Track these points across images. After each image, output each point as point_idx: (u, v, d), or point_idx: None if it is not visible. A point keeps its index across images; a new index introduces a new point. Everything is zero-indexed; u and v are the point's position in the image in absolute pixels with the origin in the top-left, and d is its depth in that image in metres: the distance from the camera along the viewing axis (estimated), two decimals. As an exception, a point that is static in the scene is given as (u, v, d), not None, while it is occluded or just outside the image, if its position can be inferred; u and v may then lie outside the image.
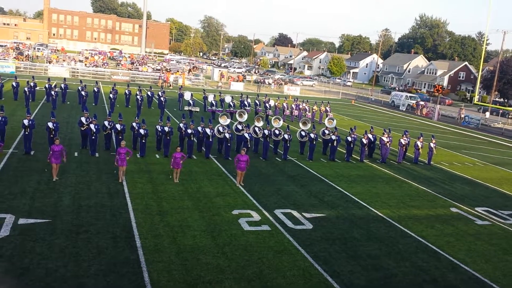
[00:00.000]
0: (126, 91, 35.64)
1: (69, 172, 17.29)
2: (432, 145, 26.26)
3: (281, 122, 26.42)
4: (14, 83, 33.14)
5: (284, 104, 37.94)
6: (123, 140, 17.65)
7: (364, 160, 25.10)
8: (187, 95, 35.47)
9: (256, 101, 36.95)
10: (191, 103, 33.90)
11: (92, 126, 20.29)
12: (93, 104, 33.89)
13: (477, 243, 14.74)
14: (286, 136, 23.18)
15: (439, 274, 12.15)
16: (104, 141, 21.47)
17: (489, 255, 13.85)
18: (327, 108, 38.73)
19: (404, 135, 26.42)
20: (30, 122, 19.45)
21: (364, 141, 24.96)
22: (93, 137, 20.33)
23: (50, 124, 20.06)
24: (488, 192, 21.80)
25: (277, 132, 23.97)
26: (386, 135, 25.39)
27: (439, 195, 20.20)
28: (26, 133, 19.32)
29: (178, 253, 11.63)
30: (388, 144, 25.25)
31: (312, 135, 24.12)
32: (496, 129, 52.04)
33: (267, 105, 36.51)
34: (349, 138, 24.61)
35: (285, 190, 18.21)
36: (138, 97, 32.51)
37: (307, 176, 20.74)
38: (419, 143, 25.91)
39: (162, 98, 33.47)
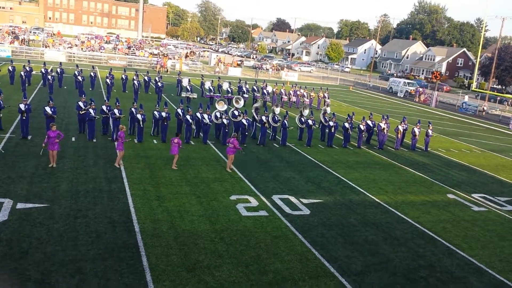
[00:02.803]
0: (123, 76, 35.41)
1: (67, 157, 17.25)
2: (429, 131, 26.34)
3: (278, 108, 26.40)
4: (10, 67, 32.86)
5: (282, 90, 37.74)
6: (122, 125, 17.68)
7: (362, 146, 25.14)
8: (185, 81, 35.22)
9: (254, 87, 36.75)
10: (189, 89, 33.73)
11: (91, 110, 20.17)
12: (90, 89, 33.65)
13: (474, 229, 14.86)
14: (285, 122, 23.18)
15: (435, 260, 12.26)
16: (101, 126, 21.41)
17: (485, 241, 13.97)
18: (325, 94, 38.60)
19: (402, 122, 26.44)
20: (26, 106, 19.36)
21: (362, 127, 24.97)
22: (91, 122, 20.25)
23: (47, 109, 19.94)
24: (484, 179, 21.90)
25: (276, 118, 23.94)
26: (384, 122, 25.37)
27: (436, 181, 20.29)
28: (23, 117, 19.23)
29: (176, 238, 11.68)
30: (385, 130, 25.25)
31: (310, 122, 24.11)
32: (494, 116, 52.13)
33: (264, 91, 36.33)
34: (347, 125, 24.61)
35: (282, 176, 18.25)
36: (135, 82, 32.36)
37: (304, 162, 20.77)
38: (416, 130, 25.97)
39: (159, 84, 33.30)
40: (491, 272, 11.93)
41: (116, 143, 16.76)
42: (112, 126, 20.99)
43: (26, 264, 9.73)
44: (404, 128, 26.03)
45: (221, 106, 24.16)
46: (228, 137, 22.34)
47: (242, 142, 21.97)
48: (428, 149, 26.65)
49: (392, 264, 11.71)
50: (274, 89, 37.79)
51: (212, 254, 11.10)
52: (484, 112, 52.55)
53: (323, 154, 22.63)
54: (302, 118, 25.07)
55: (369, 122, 25.71)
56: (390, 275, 11.13)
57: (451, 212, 16.26)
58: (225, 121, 21.96)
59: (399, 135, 25.93)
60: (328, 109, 29.67)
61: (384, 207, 16.01)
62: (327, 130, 24.99)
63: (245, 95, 34.40)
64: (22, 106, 19.23)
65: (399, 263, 11.81)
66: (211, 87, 33.90)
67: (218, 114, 22.58)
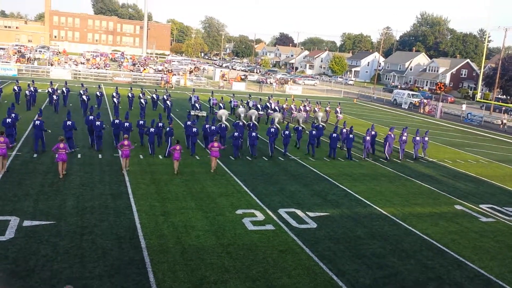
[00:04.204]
0: (129, 94, 35.10)
1: (73, 174, 17.31)
2: (426, 139, 27.10)
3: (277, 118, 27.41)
4: (16, 87, 32.89)
5: (292, 106, 37.13)
6: (126, 134, 18.88)
7: (367, 159, 25.08)
8: (192, 99, 34.70)
9: (267, 104, 35.81)
10: (198, 107, 33.35)
11: (98, 122, 21.12)
12: (95, 106, 33.71)
13: (482, 240, 14.70)
14: (286, 133, 23.80)
15: (444, 272, 12.12)
16: (113, 138, 22.51)
17: (494, 252, 13.82)
18: (338, 109, 38.14)
19: (403, 132, 26.71)
20: (39, 123, 20.02)
21: (367, 138, 25.13)
22: (100, 133, 21.23)
23: (69, 123, 20.65)
24: (492, 189, 21.74)
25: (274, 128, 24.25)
26: (391, 133, 25.60)
27: (443, 192, 20.16)
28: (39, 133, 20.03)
29: (182, 253, 11.64)
30: (385, 140, 25.58)
31: (314, 132, 24.75)
32: (499, 126, 51.85)
33: (276, 107, 35.29)
34: (350, 136, 24.72)
35: (288, 189, 18.20)
36: (141, 100, 31.74)
37: (310, 175, 20.72)
38: (418, 139, 26.63)
39: (168, 102, 32.54)
40: (502, 284, 11.76)
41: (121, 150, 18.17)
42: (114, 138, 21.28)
43: (33, 282, 9.71)
44: (405, 138, 26.36)
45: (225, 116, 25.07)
46: (238, 150, 22.75)
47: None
48: (427, 155, 26.93)
49: (401, 277, 11.59)
50: (285, 105, 37.20)
51: (219, 269, 11.03)
52: (504, 126, 50.31)
53: (328, 167, 22.57)
54: (299, 127, 26.32)
55: (373, 133, 25.80)
56: (399, 288, 11.00)
57: (459, 224, 16.12)
58: (236, 134, 22.48)
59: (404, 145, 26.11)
60: (320, 115, 31.00)
61: (391, 219, 15.90)
62: (327, 141, 25.24)
63: (260, 112, 33.65)
64: (37, 122, 19.93)
65: (408, 276, 11.68)
66: (221, 104, 33.51)
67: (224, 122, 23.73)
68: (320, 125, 27.93)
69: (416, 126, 41.79)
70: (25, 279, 9.81)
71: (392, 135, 25.41)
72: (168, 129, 21.55)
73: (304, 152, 24.94)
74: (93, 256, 11.04)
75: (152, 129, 21.36)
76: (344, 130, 26.18)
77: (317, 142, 26.45)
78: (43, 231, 12.16)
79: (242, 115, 28.51)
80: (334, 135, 24.37)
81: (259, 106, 34.50)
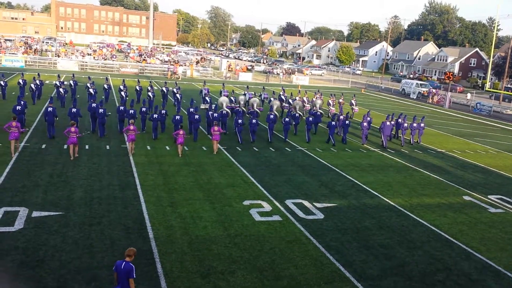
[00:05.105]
0: (137, 87, 34.75)
1: (81, 165, 17.40)
2: (422, 125, 27.87)
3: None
4: (20, 80, 32.64)
5: (305, 99, 36.22)
6: (132, 120, 19.71)
7: (375, 149, 25.02)
8: (203, 92, 34.33)
9: (282, 97, 34.73)
10: (208, 100, 32.93)
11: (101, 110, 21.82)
12: (103, 97, 33.64)
13: (491, 231, 14.62)
14: (287, 120, 24.86)
15: (452, 263, 12.08)
16: (117, 125, 23.67)
17: (503, 243, 13.74)
18: (353, 101, 37.43)
19: (400, 118, 27.82)
20: (52, 109, 20.79)
21: (365, 124, 25.80)
22: (103, 121, 21.93)
23: (74, 110, 21.71)
24: (501, 180, 21.58)
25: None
26: (388, 122, 26.14)
27: (451, 183, 20.04)
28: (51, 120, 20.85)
29: (190, 244, 11.68)
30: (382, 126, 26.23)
31: (311, 119, 25.86)
32: (509, 116, 51.40)
33: (290, 100, 34.01)
34: (347, 122, 26.03)
35: (295, 180, 18.18)
36: (149, 93, 31.41)
37: (317, 166, 20.68)
38: (415, 125, 27.43)
39: (178, 95, 31.93)
40: (510, 275, 11.71)
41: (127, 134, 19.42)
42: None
43: (42, 272, 9.80)
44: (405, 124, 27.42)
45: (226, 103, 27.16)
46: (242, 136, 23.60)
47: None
48: (414, 141, 27.71)
49: (408, 268, 11.57)
50: (297, 98, 36.39)
51: (226, 259, 11.07)
52: None
53: (335, 158, 22.51)
54: (296, 114, 27.14)
55: (368, 119, 26.36)
56: (406, 279, 10.99)
57: (468, 214, 16.03)
58: (240, 121, 23.25)
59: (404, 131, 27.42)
60: (319, 102, 31.43)
61: (399, 210, 15.85)
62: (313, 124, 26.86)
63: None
64: (50, 109, 20.72)
65: (416, 267, 11.66)
66: (232, 98, 33.00)
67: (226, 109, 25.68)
68: (318, 112, 28.31)
69: (425, 116, 41.46)
70: (34, 269, 9.90)
71: (388, 123, 25.68)
72: (178, 117, 21.77)
73: (304, 140, 25.41)
74: (102, 247, 11.12)
75: (155, 115, 22.26)
76: (341, 117, 26.87)
77: (315, 129, 27.34)
78: (52, 222, 12.25)
79: (242, 102, 29.58)
80: (333, 123, 24.94)
81: (271, 99, 34.09)
